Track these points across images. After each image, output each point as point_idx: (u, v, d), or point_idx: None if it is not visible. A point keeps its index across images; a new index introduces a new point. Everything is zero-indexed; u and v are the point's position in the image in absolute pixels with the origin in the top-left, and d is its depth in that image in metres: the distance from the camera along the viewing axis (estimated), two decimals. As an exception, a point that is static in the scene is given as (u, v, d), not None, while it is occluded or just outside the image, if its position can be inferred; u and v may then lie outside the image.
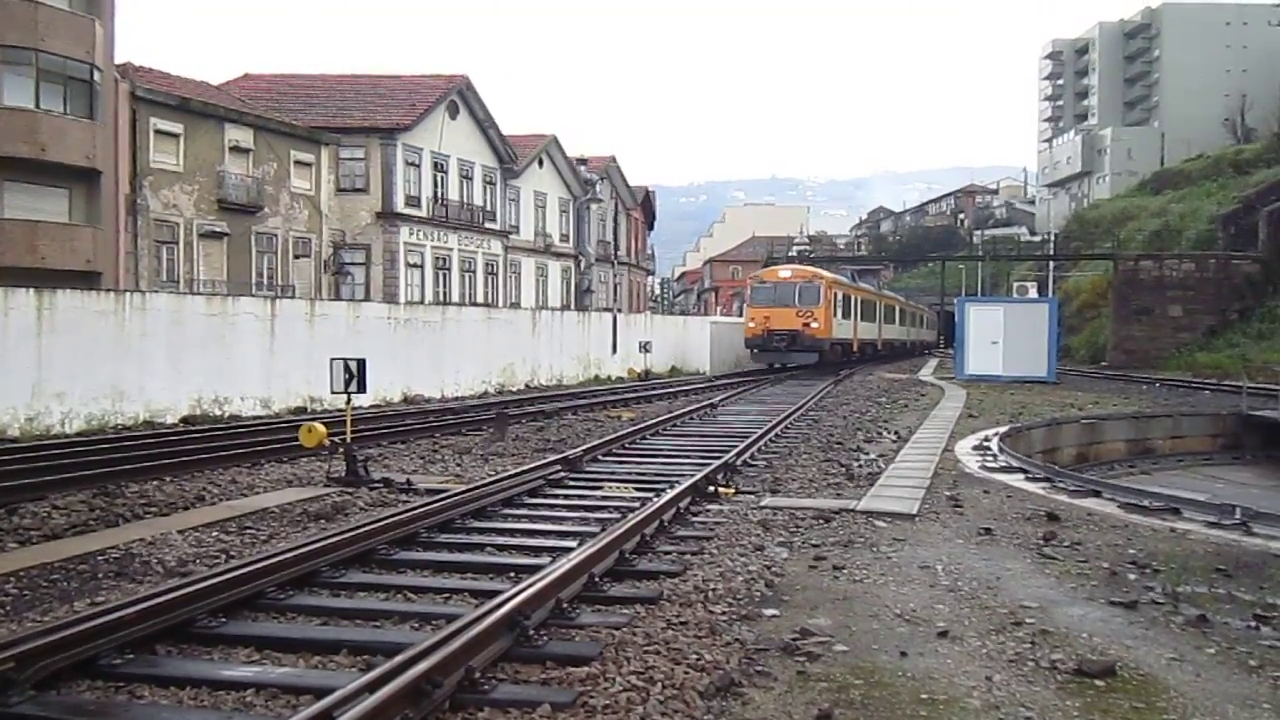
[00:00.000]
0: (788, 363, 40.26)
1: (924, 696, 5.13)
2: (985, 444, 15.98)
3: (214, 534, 9.22)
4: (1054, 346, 37.17)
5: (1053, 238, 74.30)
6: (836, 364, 42.25)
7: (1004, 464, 13.90)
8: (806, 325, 38.93)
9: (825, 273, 42.36)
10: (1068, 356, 54.42)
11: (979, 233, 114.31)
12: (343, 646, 5.92)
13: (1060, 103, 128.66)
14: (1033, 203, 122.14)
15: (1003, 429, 18.42)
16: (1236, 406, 27.26)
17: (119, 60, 34.39)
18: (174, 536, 8.94)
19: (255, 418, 21.78)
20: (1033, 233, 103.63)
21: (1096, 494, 11.56)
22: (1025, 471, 13.23)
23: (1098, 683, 5.33)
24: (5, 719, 4.82)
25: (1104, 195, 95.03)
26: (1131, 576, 7.64)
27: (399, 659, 4.99)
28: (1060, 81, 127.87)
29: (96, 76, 31.63)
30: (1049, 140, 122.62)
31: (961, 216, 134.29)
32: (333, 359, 12.91)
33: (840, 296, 42.19)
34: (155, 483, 11.89)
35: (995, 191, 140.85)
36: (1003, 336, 36.36)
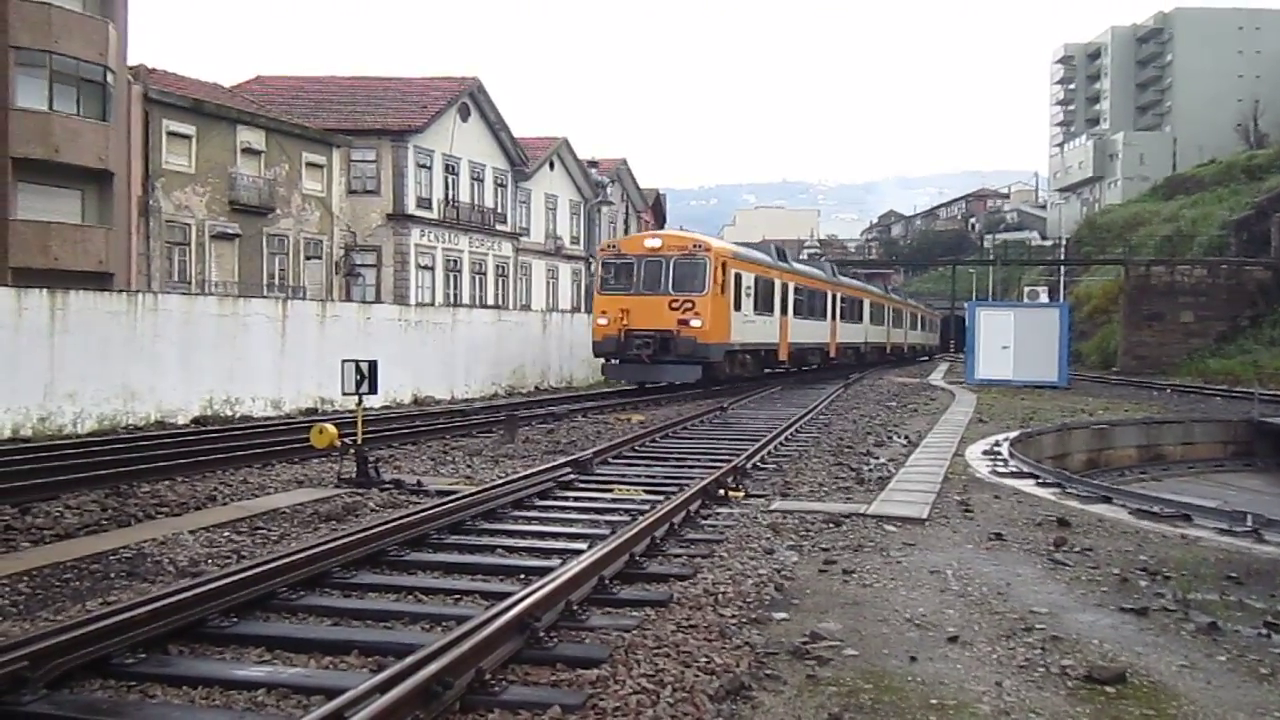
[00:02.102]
0: (657, 380, 28.14)
1: (934, 702, 5.13)
2: (996, 449, 15.95)
3: (225, 534, 9.25)
4: (1065, 351, 37.07)
5: (1064, 243, 74.21)
6: (741, 381, 30.82)
7: (1014, 469, 13.88)
8: (684, 324, 26.39)
9: (716, 242, 30.13)
10: (1078, 362, 54.25)
11: (990, 237, 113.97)
12: (354, 647, 5.94)
13: (1072, 107, 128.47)
14: (1044, 207, 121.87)
15: (1013, 434, 18.38)
16: (1248, 413, 27.18)
17: (132, 62, 34.50)
18: (186, 536, 8.98)
19: (266, 418, 21.85)
20: (1044, 238, 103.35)
21: (1107, 500, 11.53)
22: (1036, 477, 13.20)
23: (1108, 689, 5.33)
24: (18, 718, 4.84)
25: (1115, 200, 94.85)
26: (1142, 583, 7.62)
27: (410, 660, 5.00)
28: (1072, 86, 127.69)
29: (109, 78, 31.75)
30: (1060, 145, 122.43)
31: (972, 221, 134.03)
32: (344, 360, 12.96)
33: (747, 281, 29.87)
34: (167, 483, 11.93)
35: (1006, 196, 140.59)
36: (1013, 341, 36.28)
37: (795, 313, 35.58)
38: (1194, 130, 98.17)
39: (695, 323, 26.26)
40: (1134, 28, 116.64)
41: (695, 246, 27.38)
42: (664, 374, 27.21)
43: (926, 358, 72.64)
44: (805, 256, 71.24)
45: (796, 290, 36.13)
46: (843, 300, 44.64)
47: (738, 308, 28.88)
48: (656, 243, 27.97)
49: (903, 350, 64.29)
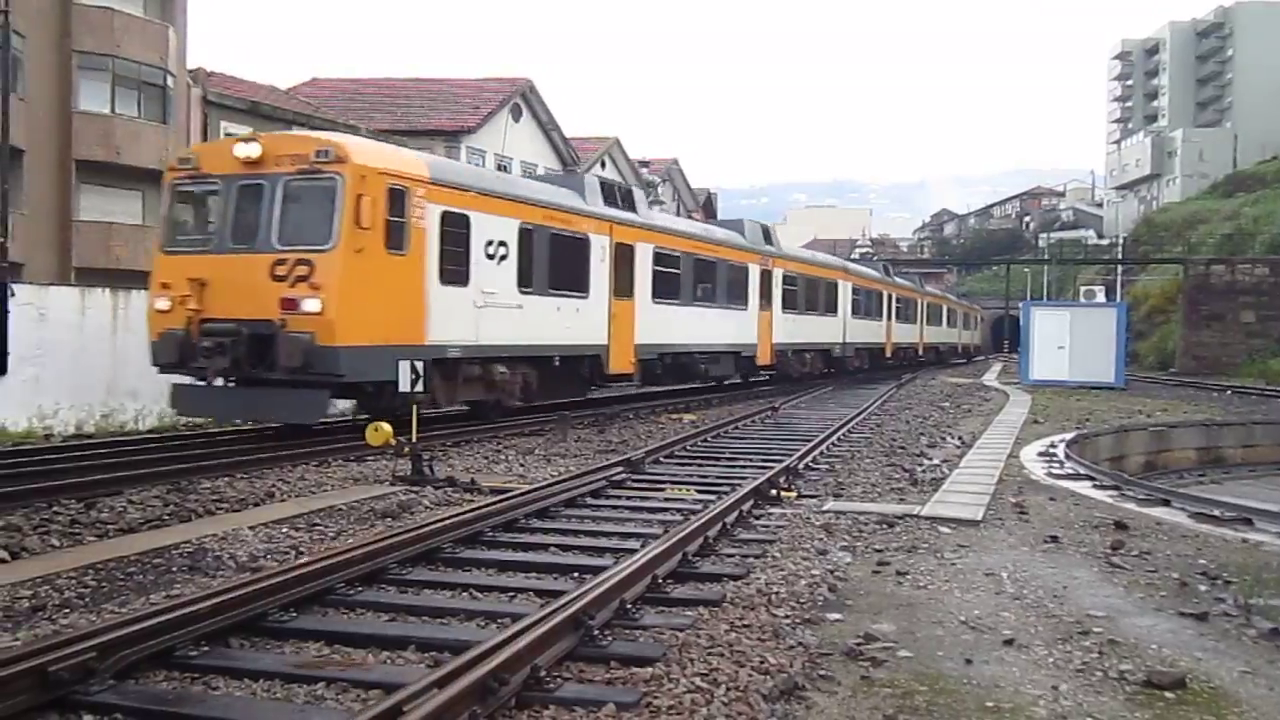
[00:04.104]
0: (259, 418, 16.26)
1: (989, 704, 5.10)
2: (1051, 450, 15.77)
3: (284, 530, 9.38)
4: (1122, 352, 36.55)
5: (1121, 241, 73.05)
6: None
7: (1070, 471, 13.72)
8: (291, 306, 14.00)
9: (367, 145, 16.11)
10: (1135, 362, 53.47)
11: (1045, 236, 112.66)
12: (410, 643, 6.02)
13: (1129, 104, 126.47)
14: (1100, 205, 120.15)
15: (1069, 435, 18.16)
16: (1312, 415, 26.65)
17: (191, 65, 35.11)
18: (245, 532, 9.13)
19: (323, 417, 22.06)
20: (1100, 236, 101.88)
21: (1166, 503, 11.37)
22: (1092, 479, 13.04)
23: (1167, 695, 5.26)
24: (87, 707, 4.96)
25: (1174, 198, 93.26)
26: (1202, 588, 7.51)
27: (466, 656, 5.07)
28: (1129, 82, 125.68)
29: (169, 81, 32.35)
30: (1117, 142, 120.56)
31: (1027, 219, 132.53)
32: (399, 359, 13.09)
33: (458, 222, 16.26)
34: (226, 479, 12.12)
35: (1062, 194, 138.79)
36: (1069, 341, 35.80)
37: (693, 296, 24.58)
38: (1255, 126, 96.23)
39: (310, 305, 13.88)
40: (1193, 22, 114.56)
41: (321, 155, 14.24)
42: (263, 407, 15.00)
43: (982, 358, 71.84)
44: (858, 257, 70.37)
45: (696, 262, 24.68)
46: (847, 291, 37.74)
47: (527, 283, 17.68)
48: (254, 150, 14.66)
49: (958, 350, 63.36)
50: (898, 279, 48.49)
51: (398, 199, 14.93)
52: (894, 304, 44.75)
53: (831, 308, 34.94)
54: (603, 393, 24.21)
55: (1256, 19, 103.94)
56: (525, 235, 17.84)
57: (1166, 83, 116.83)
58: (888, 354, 43.63)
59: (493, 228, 16.97)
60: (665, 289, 22.81)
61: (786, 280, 30.30)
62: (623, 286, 21.14)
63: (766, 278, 28.52)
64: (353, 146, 14.89)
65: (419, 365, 13.02)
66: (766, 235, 29.94)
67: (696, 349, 24.51)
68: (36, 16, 29.29)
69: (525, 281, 17.81)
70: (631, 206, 22.13)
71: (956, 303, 69.20)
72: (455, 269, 16.03)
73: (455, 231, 16.01)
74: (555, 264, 18.85)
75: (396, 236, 14.90)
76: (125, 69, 31.05)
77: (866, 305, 39.44)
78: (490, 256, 16.91)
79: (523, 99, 48.89)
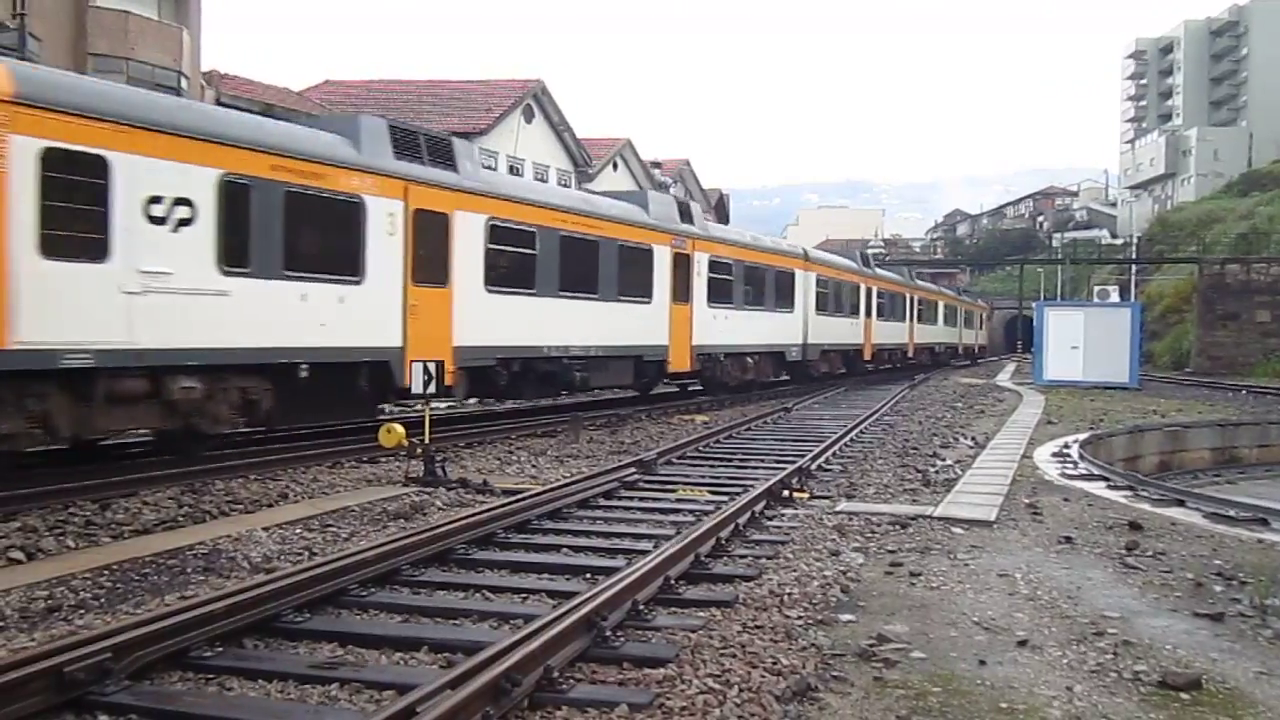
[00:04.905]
0: None
1: (1003, 705, 5.09)
2: (1065, 451, 15.72)
3: (297, 531, 9.42)
4: (1136, 352, 36.39)
5: (1135, 241, 72.70)
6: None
7: (1084, 471, 13.67)
8: None
9: None
10: (1150, 362, 53.22)
11: (1058, 236, 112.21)
12: (423, 644, 6.05)
13: (1143, 103, 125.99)
14: (1114, 205, 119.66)
15: (1083, 436, 18.10)
16: (1328, 415, 26.50)
17: (205, 68, 35.25)
18: (259, 533, 9.16)
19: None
20: (1114, 236, 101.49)
21: (1181, 503, 11.32)
22: (1106, 479, 12.99)
23: (1183, 696, 5.25)
24: (103, 707, 5.00)
25: (1189, 197, 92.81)
26: (1217, 588, 7.48)
27: (479, 657, 5.09)
28: (1143, 81, 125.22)
29: (183, 84, 32.44)
30: (1131, 141, 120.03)
31: (1040, 219, 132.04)
32: (413, 360, 13.12)
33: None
34: (240, 480, 12.16)
35: (1075, 194, 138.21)
36: (1083, 341, 35.64)
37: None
38: (1270, 125, 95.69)
39: None
40: (1208, 21, 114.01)
41: None
42: None
43: (995, 359, 71.50)
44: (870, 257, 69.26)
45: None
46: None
47: (237, 261, 12.69)
48: None
49: (958, 350, 61.86)
50: (882, 271, 44.13)
51: None
52: (875, 299, 39.32)
53: (785, 302, 29.68)
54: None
55: (1271, 17, 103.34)
56: (233, 192, 12.52)
57: (1181, 81, 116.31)
58: (867, 356, 38.58)
59: (164, 178, 11.71)
60: (508, 274, 17.43)
61: (715, 267, 25.10)
62: (430, 267, 15.51)
63: (683, 263, 23.48)
64: None
65: None
66: (684, 212, 24.54)
67: (567, 351, 19.08)
68: (51, 19, 29.43)
69: (233, 258, 12.55)
70: (449, 163, 16.19)
71: (956, 298, 64.71)
72: (79, 237, 10.92)
73: (76, 180, 10.90)
74: (294, 232, 13.38)
75: None
76: (139, 71, 31.12)
77: (837, 300, 34.56)
78: (157, 220, 11.67)
79: (534, 100, 48.92)
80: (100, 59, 30.49)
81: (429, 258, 15.41)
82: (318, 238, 13.97)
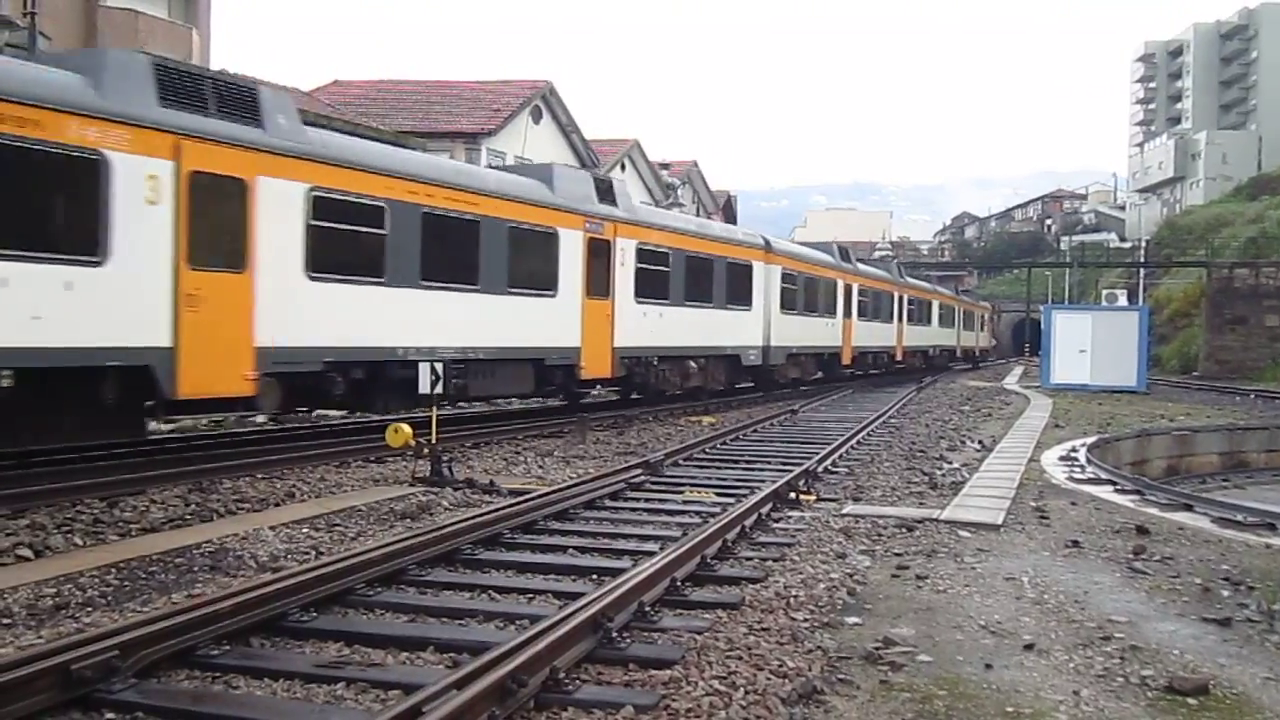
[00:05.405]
0: None
1: (1009, 710, 5.08)
2: (1072, 454, 15.69)
3: (304, 530, 9.44)
4: (1144, 356, 36.32)
5: (1143, 244, 72.59)
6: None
7: (1092, 475, 13.64)
8: None
9: None
10: (1158, 366, 53.10)
11: (1066, 239, 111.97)
12: (429, 644, 6.05)
13: (1152, 106, 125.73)
14: (1122, 208, 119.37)
15: (1090, 439, 18.06)
16: (1336, 420, 26.41)
17: (214, 67, 35.32)
18: (266, 532, 9.18)
19: (343, 418, 22.17)
20: (1122, 239, 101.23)
21: (1188, 508, 11.29)
22: (1114, 483, 12.96)
23: (1190, 701, 5.23)
24: (109, 705, 5.01)
25: (1197, 201, 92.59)
26: (1225, 593, 7.46)
27: (485, 658, 5.09)
28: (1152, 84, 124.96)
29: (193, 83, 32.51)
30: (1140, 144, 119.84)
31: (1048, 222, 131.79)
32: (419, 361, 13.13)
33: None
34: (247, 479, 12.18)
35: (1084, 197, 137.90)
36: (1091, 345, 35.58)
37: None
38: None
39: None
40: (1217, 24, 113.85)
41: None
42: None
43: (1003, 361, 71.30)
44: (877, 257, 68.73)
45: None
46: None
47: None
48: None
49: (956, 353, 60.39)
50: (865, 266, 40.57)
51: None
52: (855, 297, 35.87)
53: (741, 298, 26.03)
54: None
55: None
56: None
57: (1190, 85, 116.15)
58: (845, 360, 35.09)
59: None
60: (345, 259, 14.15)
61: (645, 256, 21.60)
62: (216, 246, 12.27)
63: (601, 250, 20.11)
64: None
65: None
66: (604, 192, 20.80)
67: (434, 354, 15.11)
68: (62, 19, 29.53)
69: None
70: (251, 117, 12.71)
71: (953, 297, 60.05)
72: None
73: None
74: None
75: None
76: (149, 71, 31.26)
77: (808, 297, 30.85)
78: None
79: (543, 101, 48.95)
80: (110, 58, 30.58)
81: (215, 234, 12.22)
82: (30, 204, 10.54)
